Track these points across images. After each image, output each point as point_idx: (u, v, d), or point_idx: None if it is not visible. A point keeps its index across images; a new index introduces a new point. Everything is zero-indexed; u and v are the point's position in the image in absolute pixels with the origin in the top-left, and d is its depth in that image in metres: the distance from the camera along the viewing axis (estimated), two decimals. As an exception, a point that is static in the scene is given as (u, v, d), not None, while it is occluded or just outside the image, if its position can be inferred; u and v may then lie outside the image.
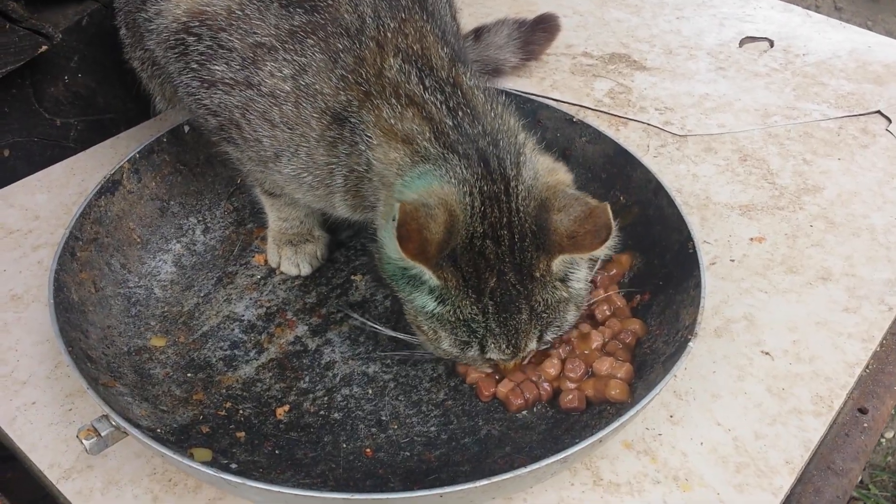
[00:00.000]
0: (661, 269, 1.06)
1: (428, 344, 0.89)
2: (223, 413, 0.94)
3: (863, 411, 1.04)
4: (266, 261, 1.13)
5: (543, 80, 1.51)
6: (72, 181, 1.25)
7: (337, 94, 0.89)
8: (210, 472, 0.75)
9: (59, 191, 1.23)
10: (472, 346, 0.86)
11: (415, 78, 0.87)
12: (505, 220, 0.83)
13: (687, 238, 1.02)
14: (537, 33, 1.49)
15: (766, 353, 1.04)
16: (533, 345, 0.87)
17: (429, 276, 0.81)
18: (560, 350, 0.98)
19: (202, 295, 1.08)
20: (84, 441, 0.80)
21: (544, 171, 0.88)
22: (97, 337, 0.94)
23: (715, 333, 1.05)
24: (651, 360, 0.96)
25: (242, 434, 0.92)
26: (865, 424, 1.03)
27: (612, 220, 0.82)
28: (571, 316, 0.89)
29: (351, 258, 1.15)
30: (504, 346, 0.85)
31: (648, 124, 1.41)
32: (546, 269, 0.84)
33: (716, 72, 1.56)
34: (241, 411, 0.94)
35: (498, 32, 1.44)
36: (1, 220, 1.18)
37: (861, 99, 1.48)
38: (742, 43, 1.64)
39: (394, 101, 0.88)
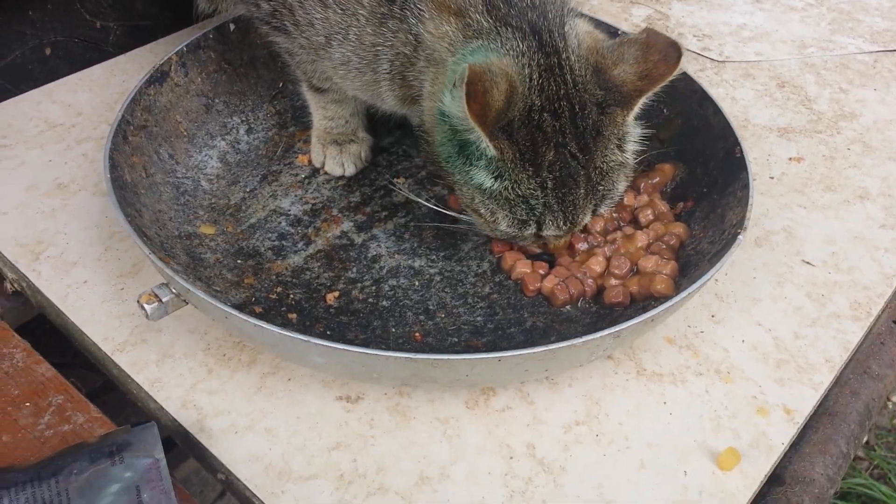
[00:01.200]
0: (704, 177, 1.06)
1: (484, 226, 0.90)
2: (274, 297, 0.95)
3: (897, 323, 1.06)
4: (310, 161, 1.13)
5: (581, 6, 1.50)
6: (112, 81, 1.25)
7: None
8: (278, 330, 0.76)
9: (100, 90, 1.23)
10: (529, 225, 0.87)
11: None
12: (563, 91, 0.83)
13: (733, 144, 1.02)
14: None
15: (806, 262, 1.05)
16: (587, 218, 0.89)
17: (486, 144, 0.81)
18: (605, 248, 0.99)
19: (248, 190, 1.09)
20: (145, 306, 0.81)
21: (584, 35, 0.89)
22: (150, 218, 0.95)
23: (755, 243, 1.07)
24: (696, 260, 0.97)
25: (294, 315, 0.93)
26: (901, 335, 1.05)
27: (668, 36, 0.84)
28: (622, 185, 0.90)
29: (393, 162, 1.16)
30: (561, 221, 0.86)
31: (687, 49, 1.41)
32: (622, 122, 0.85)
33: (752, 4, 1.56)
34: (291, 296, 0.95)
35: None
36: (44, 114, 1.18)
37: (895, 36, 1.48)
38: (777, -22, 1.64)
39: None
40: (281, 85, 1.20)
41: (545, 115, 0.83)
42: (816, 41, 1.47)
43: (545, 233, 0.88)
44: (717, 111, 1.07)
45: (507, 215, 0.87)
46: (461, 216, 0.96)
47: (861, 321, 0.99)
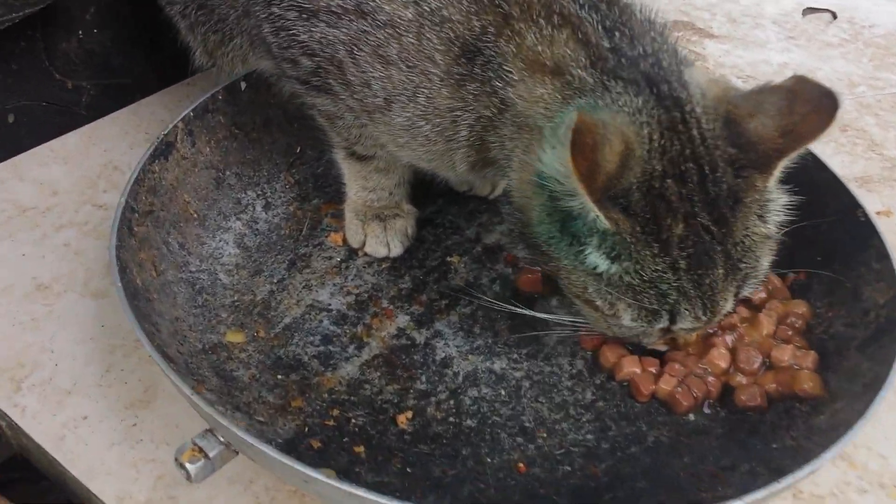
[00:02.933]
0: (815, 242, 0.91)
1: (599, 321, 0.73)
2: (332, 423, 0.75)
3: None
4: (345, 240, 0.94)
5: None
6: (92, 151, 1.04)
7: (469, 19, 0.73)
8: (363, 493, 0.57)
9: (78, 162, 1.02)
10: (660, 317, 0.69)
11: None
12: (688, 151, 0.67)
13: (850, 206, 0.88)
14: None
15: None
16: (729, 305, 0.71)
17: (595, 215, 0.64)
18: (724, 337, 0.83)
19: (275, 281, 0.89)
20: (188, 465, 0.61)
21: (708, 83, 0.73)
22: (168, 331, 0.75)
23: (879, 317, 0.91)
24: (835, 347, 0.81)
25: (362, 448, 0.73)
26: None
27: (820, 83, 0.69)
28: (766, 262, 0.73)
29: (441, 237, 0.97)
30: (700, 310, 0.69)
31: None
32: (762, 188, 0.69)
33: (786, 41, 1.45)
34: (353, 420, 0.76)
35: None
36: (12, 195, 0.96)
37: (944, 70, 1.37)
38: (804, 13, 1.53)
39: (542, 22, 0.71)
40: (299, 150, 1.01)
41: (668, 181, 0.67)
42: (863, 79, 1.35)
43: (679, 326, 0.71)
44: (822, 167, 0.92)
45: (631, 305, 0.69)
46: (552, 317, 0.79)
47: None
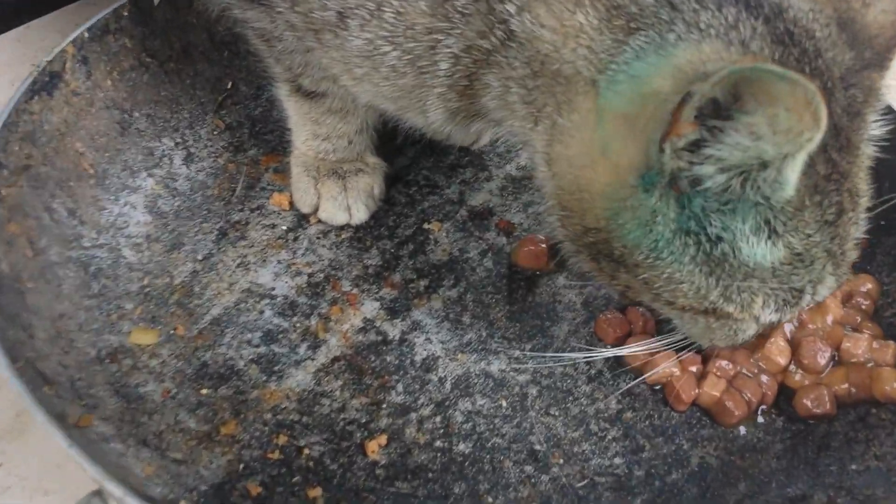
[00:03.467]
0: (876, 203, 0.74)
1: (710, 332, 0.57)
2: (277, 456, 0.56)
3: None
4: (291, 203, 0.74)
5: None
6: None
7: None
8: None
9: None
10: (804, 294, 0.54)
11: None
12: (805, 69, 0.49)
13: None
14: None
15: None
16: (855, 254, 0.57)
17: (788, 176, 0.47)
18: (783, 328, 0.65)
19: (200, 258, 0.69)
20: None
21: None
22: (46, 335, 0.54)
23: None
24: (917, 334, 0.64)
25: (318, 492, 0.55)
26: None
27: None
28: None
29: (415, 197, 0.78)
30: (840, 268, 0.55)
31: None
32: (878, 91, 0.54)
33: None
34: (305, 451, 0.57)
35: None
36: None
37: None
38: None
39: None
40: (230, 85, 0.80)
41: None
42: None
43: (819, 296, 0.56)
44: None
45: (773, 294, 0.54)
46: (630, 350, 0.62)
47: None
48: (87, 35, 0.69)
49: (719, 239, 0.51)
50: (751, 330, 0.58)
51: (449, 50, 0.56)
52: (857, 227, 0.56)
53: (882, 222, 0.73)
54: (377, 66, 0.59)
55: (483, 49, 0.55)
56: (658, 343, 0.64)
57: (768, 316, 0.54)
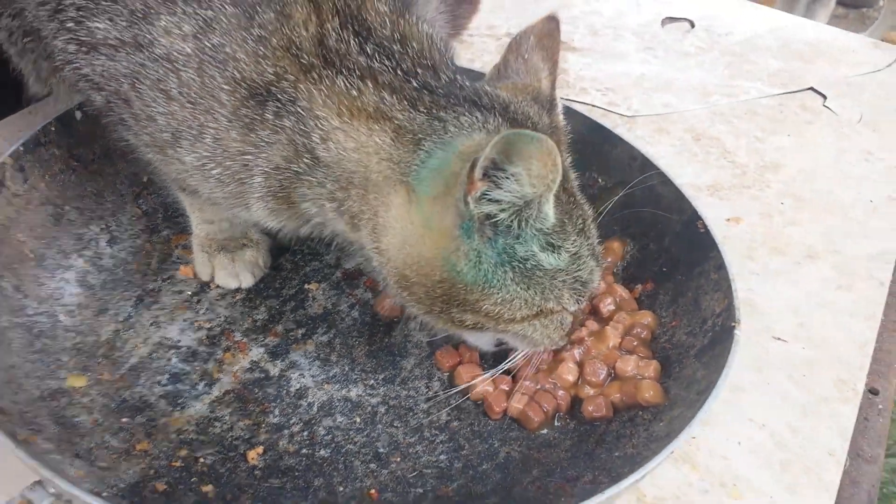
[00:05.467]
0: (660, 254, 0.95)
1: (542, 334, 0.76)
2: (179, 464, 0.73)
3: (874, 392, 0.98)
4: (195, 273, 0.92)
5: (473, 62, 1.37)
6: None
7: (258, 62, 0.71)
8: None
9: None
10: (588, 287, 0.76)
11: (354, 46, 0.72)
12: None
13: (692, 218, 0.92)
14: (462, 6, 1.37)
15: (778, 339, 0.95)
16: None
17: (547, 210, 0.69)
18: (573, 351, 0.85)
19: (121, 320, 0.86)
20: (11, 523, 0.58)
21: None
22: (1, 380, 0.71)
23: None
24: (677, 355, 0.84)
25: (210, 488, 0.72)
26: (880, 406, 0.97)
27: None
28: None
29: (299, 264, 0.97)
30: (599, 269, 0.78)
31: (594, 105, 1.32)
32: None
33: (645, 52, 1.50)
34: (201, 460, 0.74)
35: (426, 5, 1.29)
36: None
37: (792, 76, 1.45)
38: (664, 23, 1.59)
39: (346, 72, 0.71)
40: (146, 179, 0.98)
41: None
42: (718, 87, 1.41)
43: (594, 283, 0.78)
44: (666, 181, 0.96)
45: (572, 286, 0.75)
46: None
47: (850, 402, 0.90)
48: (21, 149, 0.87)
49: (525, 259, 0.71)
50: (568, 318, 0.77)
51: (260, 168, 0.74)
52: (594, 230, 0.78)
53: (664, 269, 0.94)
54: (206, 178, 0.77)
55: (292, 170, 0.73)
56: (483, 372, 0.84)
57: (574, 304, 0.75)
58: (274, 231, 0.84)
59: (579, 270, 0.75)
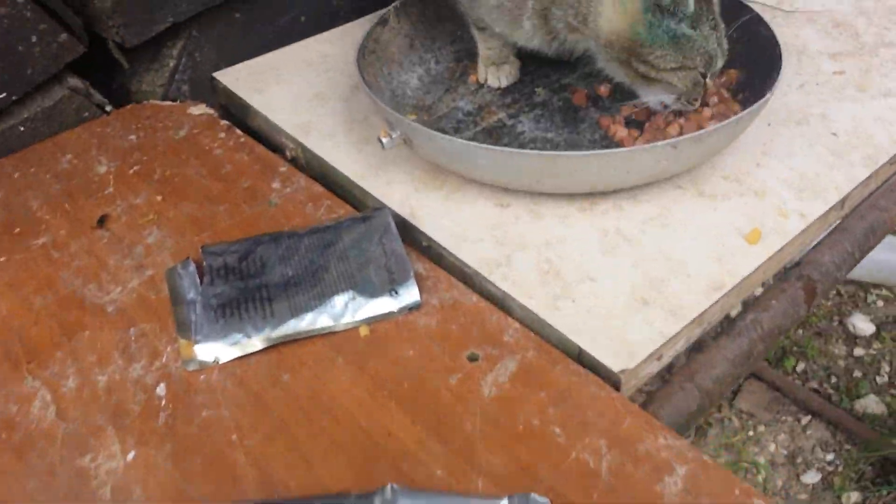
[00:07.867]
0: (756, 75, 1.49)
1: (691, 79, 1.23)
2: (455, 150, 1.47)
3: None
4: (476, 79, 1.66)
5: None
6: (345, 39, 1.82)
7: None
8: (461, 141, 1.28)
9: (338, 43, 1.81)
10: (716, 58, 1.24)
11: None
12: None
13: (778, 52, 1.45)
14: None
15: (833, 134, 1.45)
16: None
17: (689, 2, 1.16)
18: (681, 120, 1.45)
19: (437, 97, 1.62)
20: (383, 139, 1.35)
21: None
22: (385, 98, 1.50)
23: (796, 123, 1.47)
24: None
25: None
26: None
27: None
28: None
29: (535, 79, 1.66)
30: (724, 52, 1.25)
31: (762, 3, 1.84)
32: None
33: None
34: (466, 150, 1.47)
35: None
36: (303, 56, 1.77)
37: (945, -15, 1.83)
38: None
39: None
40: (459, 33, 1.73)
41: None
42: (873, -7, 1.84)
43: (718, 62, 1.25)
44: (768, 29, 1.50)
45: (701, 55, 1.20)
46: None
47: (869, 167, 1.38)
48: (399, 4, 1.66)
49: (674, 30, 1.16)
50: (700, 80, 1.22)
51: (529, 5, 1.45)
52: (721, 28, 1.21)
53: (756, 83, 1.50)
54: (501, 13, 1.48)
55: (545, 4, 1.43)
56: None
57: (703, 67, 1.20)
58: (528, 51, 1.46)
59: (707, 45, 1.19)
